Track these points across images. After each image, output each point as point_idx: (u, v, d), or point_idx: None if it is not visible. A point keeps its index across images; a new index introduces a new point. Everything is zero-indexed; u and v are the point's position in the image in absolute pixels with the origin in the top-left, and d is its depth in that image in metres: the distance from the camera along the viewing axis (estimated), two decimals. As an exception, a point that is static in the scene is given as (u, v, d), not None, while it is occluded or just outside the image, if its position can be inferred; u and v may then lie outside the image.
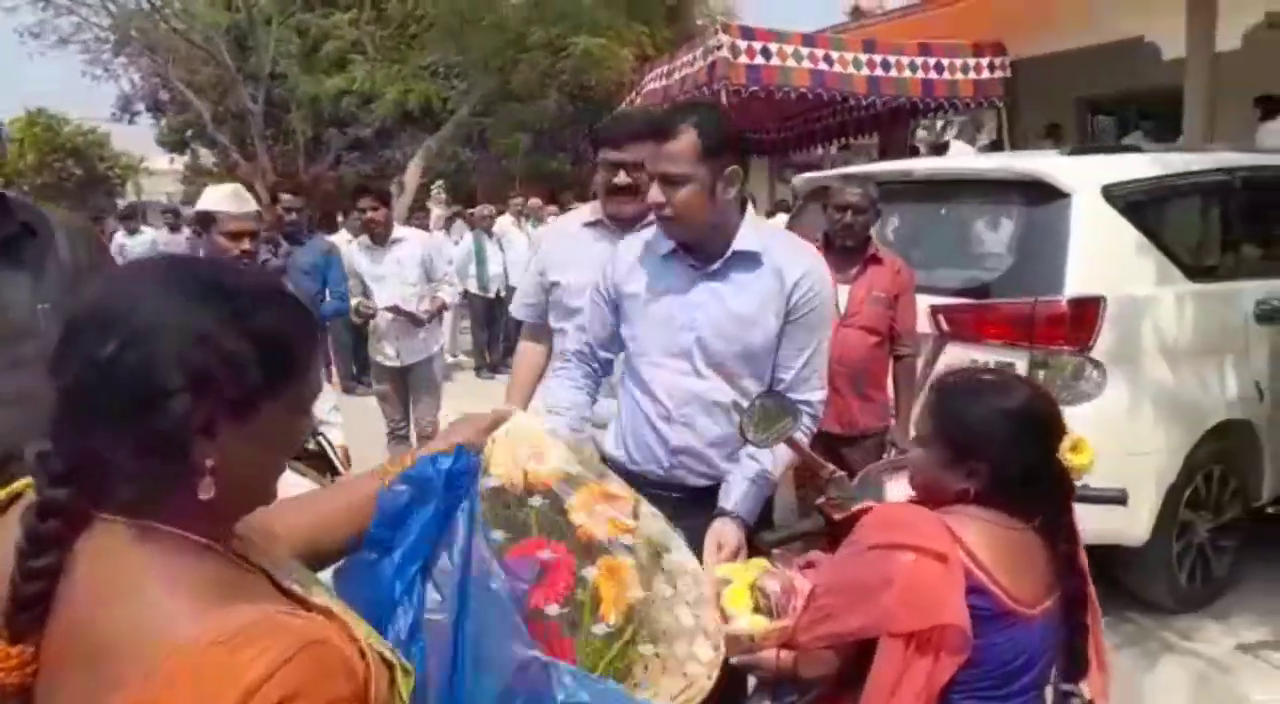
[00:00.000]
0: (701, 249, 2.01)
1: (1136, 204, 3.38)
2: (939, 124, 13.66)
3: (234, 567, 0.84)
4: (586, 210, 2.62)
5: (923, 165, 4.21)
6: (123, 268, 0.93)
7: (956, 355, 3.40)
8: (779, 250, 2.01)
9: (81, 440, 0.80)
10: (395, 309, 4.67)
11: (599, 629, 1.05)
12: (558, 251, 2.60)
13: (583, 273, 2.48)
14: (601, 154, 2.43)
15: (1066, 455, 1.51)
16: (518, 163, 13.25)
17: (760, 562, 1.70)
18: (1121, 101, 10.33)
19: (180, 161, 25.62)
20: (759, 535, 1.95)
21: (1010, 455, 1.45)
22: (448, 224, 10.78)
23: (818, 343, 2.03)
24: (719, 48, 8.37)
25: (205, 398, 0.78)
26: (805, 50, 8.70)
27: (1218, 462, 3.55)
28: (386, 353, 4.79)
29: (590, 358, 2.20)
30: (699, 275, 2.01)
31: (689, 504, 2.00)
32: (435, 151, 12.63)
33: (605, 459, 2.15)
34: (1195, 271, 3.49)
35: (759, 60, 8.51)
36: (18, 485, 0.91)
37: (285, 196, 5.88)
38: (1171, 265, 3.42)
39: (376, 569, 1.04)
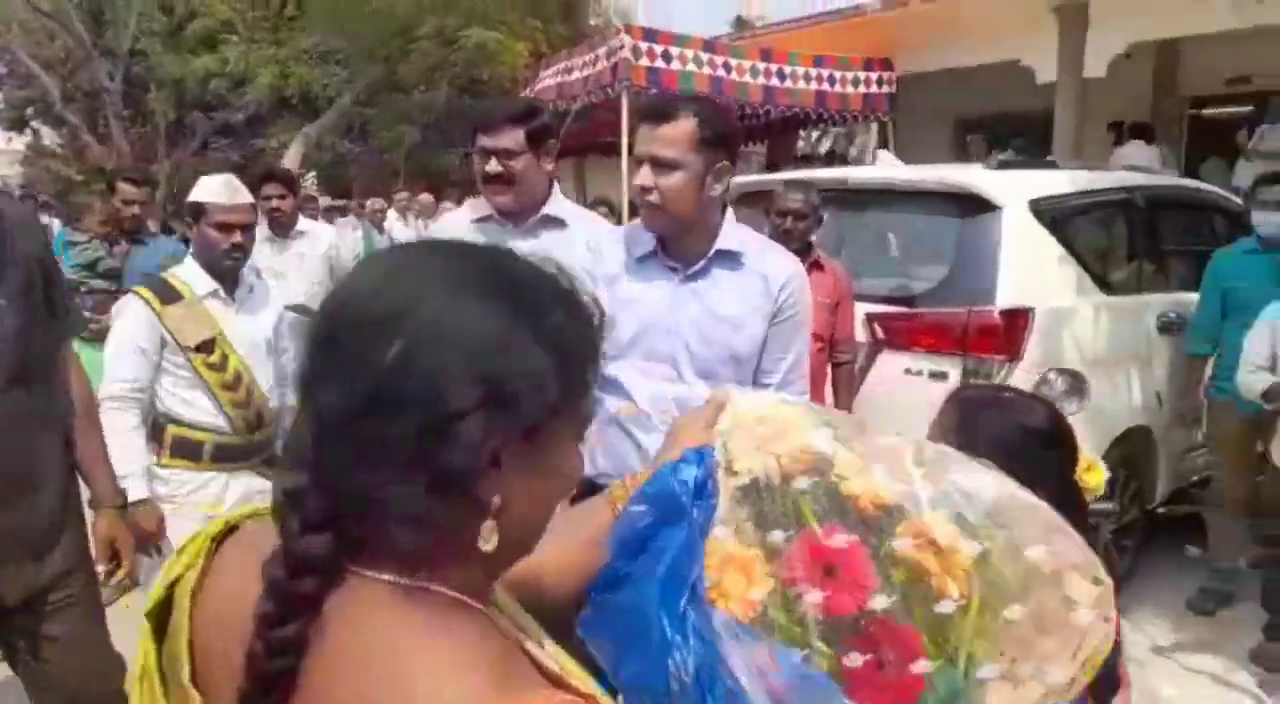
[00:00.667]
0: (682, 247, 1.93)
1: (1058, 218, 3.52)
2: (814, 135, 14.09)
3: (500, 636, 0.69)
4: (481, 204, 2.47)
5: (857, 174, 4.26)
6: (381, 256, 0.74)
7: (890, 363, 3.44)
8: (760, 251, 1.97)
9: (347, 476, 0.63)
10: (300, 308, 4.35)
11: (944, 607, 0.86)
12: None
13: None
14: (476, 141, 2.31)
15: (1082, 477, 1.50)
16: (401, 156, 12.79)
17: None
18: (995, 121, 10.88)
19: (20, 141, 23.51)
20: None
21: (1039, 476, 1.42)
22: (328, 216, 10.25)
23: (800, 346, 1.99)
24: (621, 48, 8.33)
25: (500, 420, 0.63)
26: (705, 56, 8.77)
27: (1122, 466, 3.73)
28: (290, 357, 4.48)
29: None
30: (680, 277, 1.93)
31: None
32: (314, 141, 12.05)
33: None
34: (1107, 285, 3.67)
35: (660, 63, 8.52)
36: (237, 513, 0.73)
37: (124, 187, 4.73)
38: (1088, 278, 3.57)
39: (627, 609, 0.85)
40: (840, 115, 9.82)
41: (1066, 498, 1.46)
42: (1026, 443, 1.44)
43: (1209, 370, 3.82)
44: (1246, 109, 9.74)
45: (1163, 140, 9.53)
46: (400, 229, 8.85)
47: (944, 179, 3.58)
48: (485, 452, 0.63)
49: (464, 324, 0.64)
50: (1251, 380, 3.32)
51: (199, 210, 2.61)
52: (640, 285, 1.95)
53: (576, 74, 9.36)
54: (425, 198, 9.76)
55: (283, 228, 4.43)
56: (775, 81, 9.13)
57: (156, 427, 2.58)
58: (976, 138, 11.72)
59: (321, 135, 12.16)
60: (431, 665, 0.60)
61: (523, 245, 2.49)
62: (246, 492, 2.67)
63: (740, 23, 17.56)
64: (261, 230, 4.54)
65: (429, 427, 0.62)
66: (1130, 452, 3.74)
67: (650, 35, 8.48)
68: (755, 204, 3.89)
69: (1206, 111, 10.60)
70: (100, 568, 2.02)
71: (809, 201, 3.28)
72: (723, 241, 1.92)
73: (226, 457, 2.61)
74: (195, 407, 2.57)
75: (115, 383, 2.49)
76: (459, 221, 2.51)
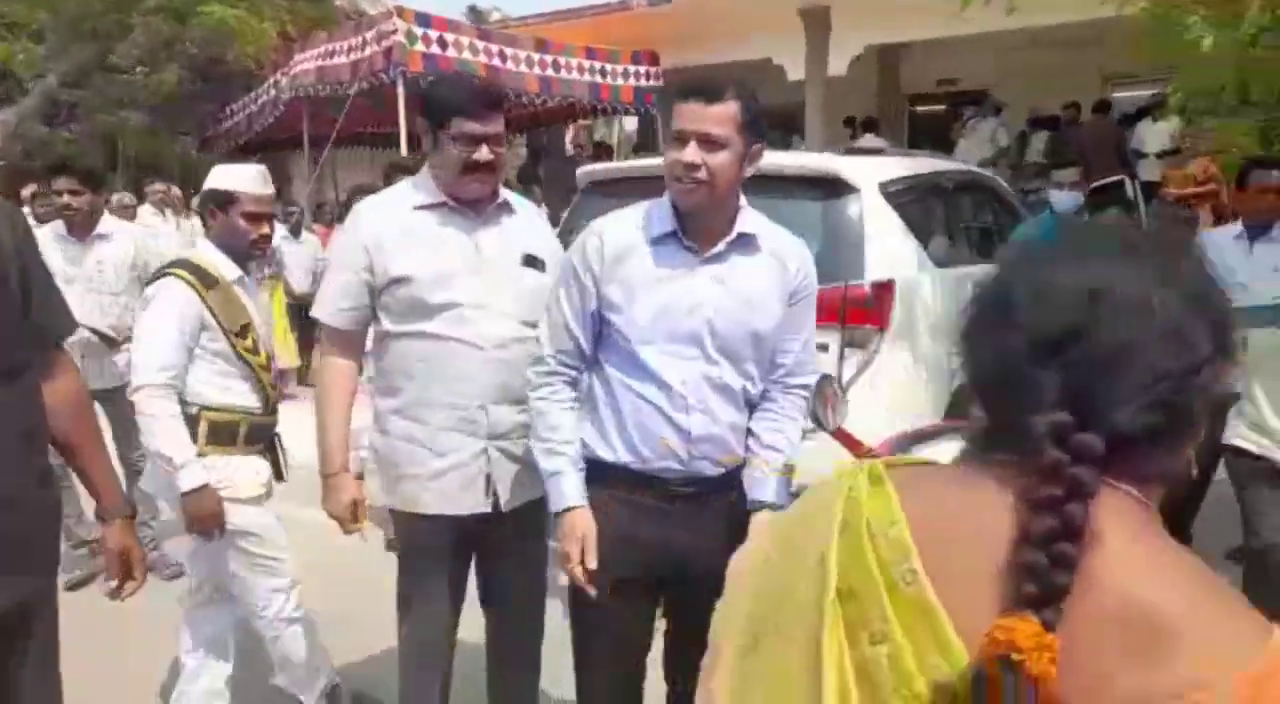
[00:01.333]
0: (705, 229, 1.94)
1: (899, 199, 3.88)
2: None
3: None
4: (426, 185, 2.24)
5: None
6: (1073, 230, 0.89)
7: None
8: (773, 234, 2.03)
9: (1117, 415, 0.75)
10: (92, 330, 3.71)
11: None
12: (391, 241, 2.20)
13: (440, 260, 2.19)
14: (454, 126, 2.13)
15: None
16: (123, 144, 11.30)
17: None
18: (749, 114, 11.62)
19: None
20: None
21: None
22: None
23: (812, 324, 2.08)
24: (394, 32, 7.99)
25: (1220, 366, 0.78)
26: (481, 44, 8.63)
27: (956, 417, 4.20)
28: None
29: (573, 367, 2.02)
30: (698, 259, 1.95)
31: (708, 495, 1.97)
32: (13, 127, 10.38)
33: (592, 462, 1.98)
34: (938, 259, 4.09)
35: (435, 49, 8.28)
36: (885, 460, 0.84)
37: None
38: (924, 253, 3.97)
39: None
40: (611, 106, 10.03)
41: None
42: None
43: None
44: (943, 108, 11.25)
45: (887, 133, 10.72)
46: (160, 224, 7.88)
47: (805, 164, 3.81)
48: (1214, 392, 0.78)
49: (1191, 282, 0.79)
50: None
51: (229, 199, 2.55)
52: (659, 266, 1.93)
53: (341, 58, 8.83)
54: (175, 191, 8.74)
55: (80, 229, 3.80)
56: (550, 72, 9.17)
57: (188, 416, 2.45)
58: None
59: (21, 121, 10.50)
60: (1197, 594, 0.71)
61: (488, 232, 2.37)
62: (270, 473, 2.64)
63: (476, 13, 17.29)
64: (55, 228, 3.90)
65: (1188, 372, 0.76)
66: (960, 404, 4.22)
67: (424, 20, 8.20)
68: (613, 193, 3.91)
69: (921, 108, 12.06)
70: (112, 582, 1.86)
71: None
72: (741, 225, 1.95)
73: (256, 438, 2.61)
74: (231, 390, 2.54)
75: (157, 371, 2.38)
76: (397, 208, 2.25)
